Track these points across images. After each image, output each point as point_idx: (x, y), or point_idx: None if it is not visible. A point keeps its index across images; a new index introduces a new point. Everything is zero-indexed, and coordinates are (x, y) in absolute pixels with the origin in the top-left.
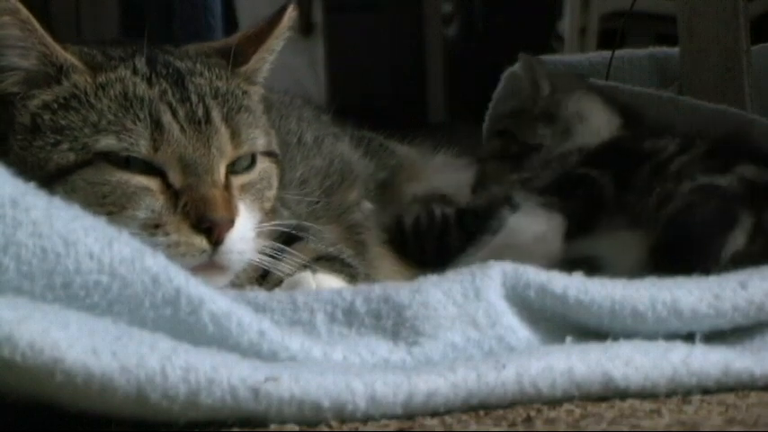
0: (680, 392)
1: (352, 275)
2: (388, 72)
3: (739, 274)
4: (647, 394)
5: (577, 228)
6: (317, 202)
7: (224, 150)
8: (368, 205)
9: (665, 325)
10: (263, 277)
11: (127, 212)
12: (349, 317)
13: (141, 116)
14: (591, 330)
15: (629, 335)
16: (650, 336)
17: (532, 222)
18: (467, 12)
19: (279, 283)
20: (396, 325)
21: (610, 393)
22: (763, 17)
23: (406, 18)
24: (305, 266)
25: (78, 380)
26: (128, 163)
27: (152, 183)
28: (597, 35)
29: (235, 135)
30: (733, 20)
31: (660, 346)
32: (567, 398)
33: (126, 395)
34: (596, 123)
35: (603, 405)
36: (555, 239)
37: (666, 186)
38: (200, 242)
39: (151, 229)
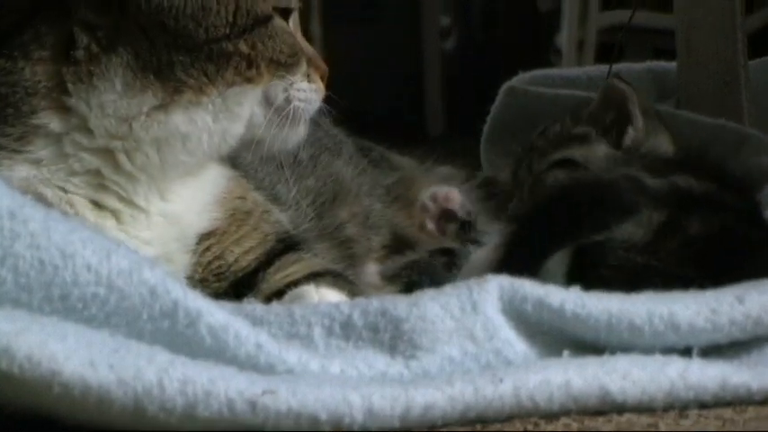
0: (677, 407)
1: (354, 293)
2: (386, 85)
3: (736, 288)
4: (644, 408)
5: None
6: (311, 221)
7: None
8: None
9: (662, 339)
10: (279, 295)
11: (300, 63)
12: (346, 330)
13: None
14: (588, 344)
15: (626, 349)
16: (647, 350)
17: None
18: (465, 25)
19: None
20: (393, 338)
21: (607, 407)
22: (761, 31)
23: (404, 31)
24: (308, 280)
25: (76, 392)
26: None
27: None
28: (595, 49)
29: None
30: (731, 34)
31: (657, 360)
32: (565, 412)
33: (123, 407)
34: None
35: (600, 419)
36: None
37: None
38: (323, 87)
39: (308, 78)
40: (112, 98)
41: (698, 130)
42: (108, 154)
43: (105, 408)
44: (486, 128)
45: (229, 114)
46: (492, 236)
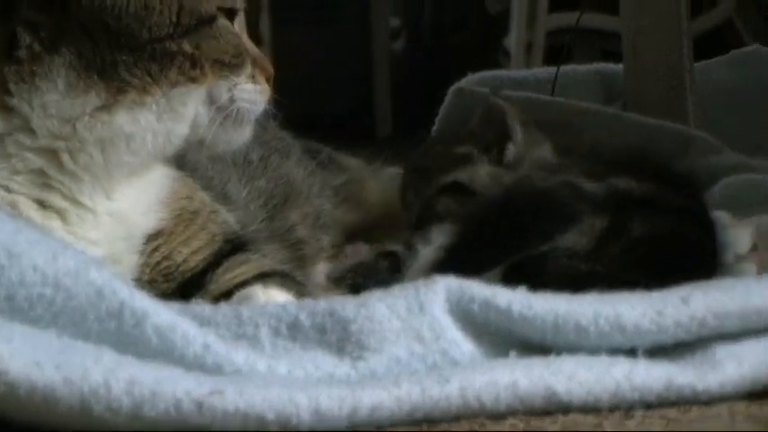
0: (622, 407)
1: (302, 294)
2: (335, 86)
3: (681, 290)
4: (589, 409)
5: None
6: (261, 222)
7: None
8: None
9: (607, 340)
10: (227, 296)
11: (244, 64)
12: (293, 331)
13: None
14: (535, 345)
15: (572, 349)
16: (593, 350)
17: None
18: (414, 26)
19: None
20: (340, 339)
21: (553, 408)
22: (706, 35)
23: (354, 32)
24: (256, 281)
25: (21, 392)
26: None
27: None
28: (543, 51)
29: None
30: (677, 39)
31: (603, 360)
32: (511, 412)
33: (69, 407)
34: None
35: (547, 419)
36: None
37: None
38: (268, 89)
39: (252, 79)
40: (55, 98)
41: (644, 132)
42: (51, 154)
43: (51, 407)
44: (434, 129)
45: (174, 114)
46: (438, 234)
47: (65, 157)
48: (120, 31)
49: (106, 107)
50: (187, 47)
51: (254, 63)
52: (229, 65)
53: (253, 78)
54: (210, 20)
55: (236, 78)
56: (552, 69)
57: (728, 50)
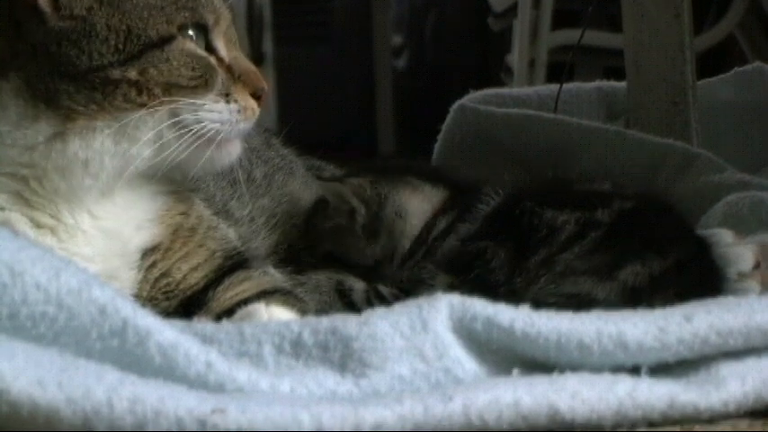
0: (625, 425)
1: (304, 311)
2: (337, 103)
3: (684, 308)
4: (593, 427)
5: None
6: (264, 239)
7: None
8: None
9: (610, 358)
10: (229, 314)
11: (210, 84)
12: (296, 348)
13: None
14: (538, 363)
15: (575, 367)
16: (596, 368)
17: None
18: (417, 43)
19: None
20: (343, 357)
21: (556, 426)
22: (710, 52)
23: (357, 49)
24: (258, 298)
25: (24, 411)
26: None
27: (212, 57)
28: (546, 68)
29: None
30: (679, 55)
31: (606, 378)
32: (514, 430)
33: (72, 427)
34: (414, 209)
35: None
36: None
37: (548, 288)
38: (255, 106)
39: (225, 98)
40: (8, 128)
41: (646, 150)
42: (22, 178)
43: (54, 427)
44: (437, 146)
45: (128, 137)
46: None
47: (33, 183)
48: (60, 59)
49: (59, 134)
50: (132, 74)
51: (238, 79)
52: (187, 87)
53: (227, 97)
54: (162, 42)
55: (199, 99)
56: (555, 87)
57: (731, 68)
